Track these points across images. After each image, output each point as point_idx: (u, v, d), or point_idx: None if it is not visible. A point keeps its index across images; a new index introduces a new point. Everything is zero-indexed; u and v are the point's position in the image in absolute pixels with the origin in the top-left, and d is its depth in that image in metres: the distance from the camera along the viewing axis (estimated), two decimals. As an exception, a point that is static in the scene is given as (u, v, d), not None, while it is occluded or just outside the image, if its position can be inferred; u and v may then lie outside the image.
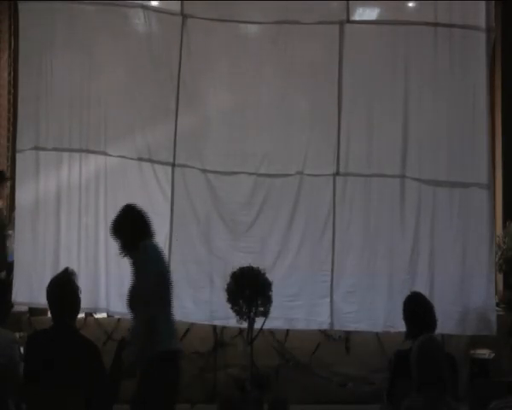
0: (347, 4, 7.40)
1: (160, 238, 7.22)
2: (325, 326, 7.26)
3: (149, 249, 4.61)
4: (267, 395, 6.47)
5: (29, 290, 7.20)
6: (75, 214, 7.37)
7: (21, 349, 5.13)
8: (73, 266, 6.82)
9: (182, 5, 7.41)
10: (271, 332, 7.22)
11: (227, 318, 6.86)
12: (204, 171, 7.39)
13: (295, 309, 7.24)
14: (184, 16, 7.40)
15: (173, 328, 4.69)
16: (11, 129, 8.05)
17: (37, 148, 7.35)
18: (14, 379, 4.60)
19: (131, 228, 4.68)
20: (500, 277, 7.80)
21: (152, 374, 4.41)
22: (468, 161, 7.34)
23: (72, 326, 4.48)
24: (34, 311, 7.35)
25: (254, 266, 6.56)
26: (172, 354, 4.52)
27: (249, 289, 6.39)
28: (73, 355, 4.28)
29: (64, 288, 4.54)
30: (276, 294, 6.67)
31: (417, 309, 4.78)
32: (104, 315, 7.50)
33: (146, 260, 4.55)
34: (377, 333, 7.29)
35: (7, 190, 7.87)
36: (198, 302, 7.26)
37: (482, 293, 7.18)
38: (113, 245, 7.17)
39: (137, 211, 4.84)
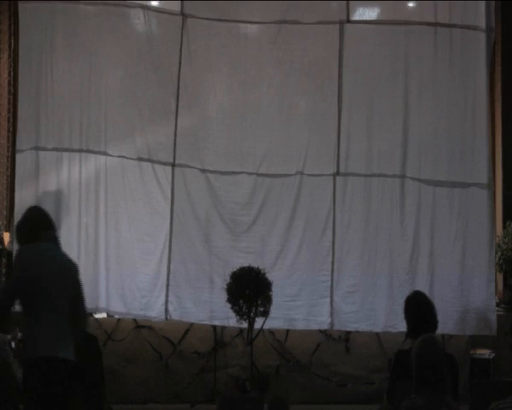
0: (347, 4, 7.40)
1: (160, 238, 7.31)
2: (325, 326, 7.26)
3: (20, 253, 4.34)
4: (267, 395, 6.47)
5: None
6: (75, 214, 7.37)
7: (12, 344, 5.14)
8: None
9: (182, 5, 7.41)
10: (271, 332, 7.23)
11: (227, 318, 6.86)
12: (204, 171, 7.39)
13: (295, 309, 7.24)
14: (184, 16, 7.40)
15: (51, 334, 4.19)
16: (11, 129, 8.03)
17: (37, 148, 7.35)
18: (10, 380, 4.60)
19: (20, 230, 4.48)
20: (500, 277, 7.80)
21: (23, 381, 4.14)
22: (468, 161, 7.35)
23: None
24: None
25: (254, 266, 6.56)
26: (41, 362, 4.09)
27: (249, 289, 6.39)
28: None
29: None
30: (276, 294, 6.68)
31: (419, 308, 4.77)
32: (104, 315, 7.50)
33: (14, 263, 4.38)
34: (377, 333, 7.29)
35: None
36: (198, 302, 7.26)
37: (482, 293, 7.18)
38: (114, 245, 7.32)
39: (32, 212, 4.58)
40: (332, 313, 7.24)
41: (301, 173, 7.38)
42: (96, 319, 7.39)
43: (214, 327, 7.29)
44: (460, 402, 4.20)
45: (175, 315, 7.28)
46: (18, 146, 7.41)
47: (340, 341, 7.38)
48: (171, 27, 7.40)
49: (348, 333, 7.35)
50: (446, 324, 6.76)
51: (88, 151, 7.39)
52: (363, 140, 7.41)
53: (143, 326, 7.35)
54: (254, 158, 7.41)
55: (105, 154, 7.38)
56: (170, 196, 7.36)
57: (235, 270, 6.57)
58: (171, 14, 7.42)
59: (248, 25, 7.49)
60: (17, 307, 4.15)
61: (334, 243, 7.32)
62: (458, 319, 7.13)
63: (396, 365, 4.70)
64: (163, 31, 7.46)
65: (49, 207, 7.20)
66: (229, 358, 7.27)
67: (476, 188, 7.31)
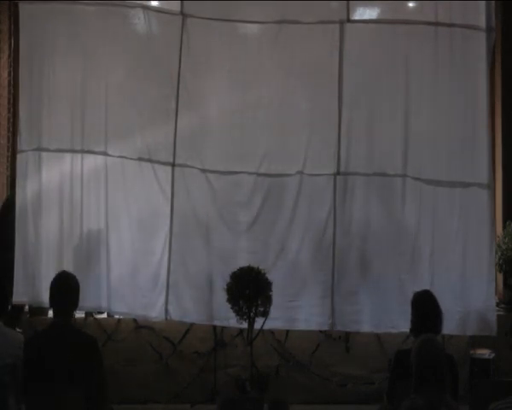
0: (347, 4, 7.38)
1: (160, 238, 7.31)
2: (326, 327, 7.25)
3: None
4: (267, 395, 6.47)
5: (31, 290, 7.21)
6: (77, 215, 7.37)
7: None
8: (75, 266, 6.98)
9: (182, 5, 7.40)
10: (271, 332, 7.23)
11: (227, 318, 6.85)
12: (204, 171, 7.38)
13: (296, 309, 7.22)
14: (184, 16, 7.38)
15: None
16: (11, 129, 8.04)
17: (39, 149, 7.35)
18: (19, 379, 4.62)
19: None
20: (500, 277, 7.80)
21: None
22: (469, 160, 7.33)
23: (71, 323, 4.54)
24: (34, 311, 7.35)
25: (254, 266, 6.56)
26: None
27: (249, 289, 6.38)
28: (74, 352, 4.31)
29: (72, 282, 4.60)
30: (276, 294, 6.67)
31: (424, 306, 4.80)
32: (104, 315, 7.51)
33: None
34: (377, 333, 7.28)
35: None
36: (198, 302, 7.26)
37: (482, 293, 7.16)
38: (114, 245, 7.32)
39: None
40: (333, 314, 7.22)
41: (301, 173, 7.37)
42: (96, 319, 7.41)
43: (214, 327, 7.29)
44: (460, 402, 4.20)
45: (175, 315, 7.27)
46: (19, 147, 7.41)
47: (340, 341, 7.37)
48: (171, 27, 7.39)
49: (348, 333, 7.34)
50: (447, 324, 6.65)
51: (89, 152, 7.39)
52: (363, 140, 7.40)
53: (144, 327, 7.36)
54: (254, 158, 7.39)
55: (105, 154, 7.38)
56: (170, 196, 7.35)
57: (235, 270, 6.56)
58: (171, 14, 7.40)
59: (248, 25, 7.47)
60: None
61: (334, 242, 7.30)
62: (459, 319, 7.09)
63: (396, 365, 4.71)
64: (163, 31, 7.45)
65: (50, 207, 7.35)
66: (229, 358, 7.27)
67: (476, 188, 7.29)
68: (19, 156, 7.41)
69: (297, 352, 7.34)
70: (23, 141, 7.37)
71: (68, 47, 7.38)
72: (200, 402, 7.13)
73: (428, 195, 7.33)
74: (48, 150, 7.36)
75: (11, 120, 8.05)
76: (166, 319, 7.26)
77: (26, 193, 7.34)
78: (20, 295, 7.17)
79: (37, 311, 7.31)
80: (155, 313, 7.26)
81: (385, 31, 7.42)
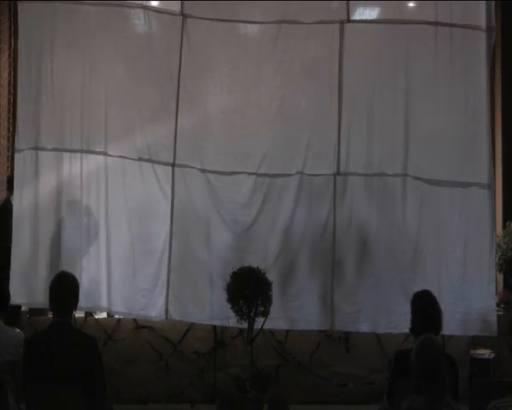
0: (347, 4, 7.39)
1: (160, 238, 7.31)
2: (326, 327, 7.25)
3: None
4: (267, 395, 6.47)
5: (28, 290, 7.21)
6: (76, 215, 7.37)
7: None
8: (75, 267, 6.98)
9: (182, 5, 7.41)
10: (271, 332, 7.23)
11: (227, 318, 6.85)
12: (204, 171, 7.39)
13: (295, 309, 7.23)
14: (184, 16, 7.40)
15: None
16: (11, 129, 8.06)
17: (36, 148, 7.35)
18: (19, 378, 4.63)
19: None
20: (500, 277, 7.80)
21: None
22: (469, 160, 7.33)
23: (71, 323, 4.55)
24: (34, 311, 7.35)
25: (254, 266, 6.56)
26: None
27: (249, 289, 6.38)
28: (74, 352, 4.32)
29: (71, 282, 4.60)
30: (276, 294, 6.67)
31: (423, 305, 4.80)
32: (104, 315, 7.51)
33: None
34: (377, 333, 7.28)
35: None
36: (198, 302, 7.26)
37: (482, 293, 7.16)
38: (114, 245, 7.32)
39: None
40: (332, 314, 7.23)
41: (301, 173, 7.37)
42: (96, 319, 7.42)
43: (214, 327, 7.29)
44: (460, 402, 4.19)
45: (175, 315, 7.28)
46: (17, 146, 7.42)
47: (340, 341, 7.38)
48: (171, 27, 7.40)
49: (348, 333, 7.34)
50: (447, 324, 6.66)
51: (88, 151, 7.40)
52: (363, 140, 7.40)
53: (143, 326, 7.36)
54: (254, 158, 7.40)
55: (105, 154, 7.39)
56: (170, 196, 7.37)
57: (235, 270, 6.57)
58: (171, 14, 7.42)
59: (248, 25, 7.48)
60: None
61: (334, 242, 7.31)
62: (459, 319, 7.09)
63: (396, 365, 4.70)
64: (163, 31, 7.46)
65: (49, 207, 7.34)
66: (229, 358, 7.27)
67: (477, 188, 7.28)
68: (16, 155, 7.43)
69: (297, 352, 7.34)
70: (21, 140, 7.38)
71: (67, 46, 7.40)
72: (200, 402, 7.13)
73: (429, 195, 7.33)
74: (45, 149, 7.37)
75: (11, 120, 8.06)
76: (166, 318, 7.27)
77: (23, 192, 7.34)
78: (16, 296, 7.14)
79: (37, 311, 7.30)
80: (155, 312, 7.27)
81: (385, 31, 7.43)
